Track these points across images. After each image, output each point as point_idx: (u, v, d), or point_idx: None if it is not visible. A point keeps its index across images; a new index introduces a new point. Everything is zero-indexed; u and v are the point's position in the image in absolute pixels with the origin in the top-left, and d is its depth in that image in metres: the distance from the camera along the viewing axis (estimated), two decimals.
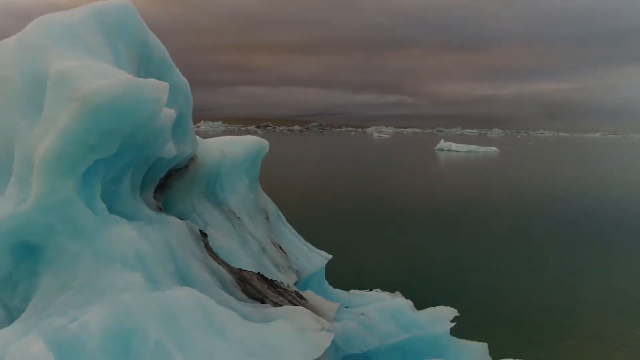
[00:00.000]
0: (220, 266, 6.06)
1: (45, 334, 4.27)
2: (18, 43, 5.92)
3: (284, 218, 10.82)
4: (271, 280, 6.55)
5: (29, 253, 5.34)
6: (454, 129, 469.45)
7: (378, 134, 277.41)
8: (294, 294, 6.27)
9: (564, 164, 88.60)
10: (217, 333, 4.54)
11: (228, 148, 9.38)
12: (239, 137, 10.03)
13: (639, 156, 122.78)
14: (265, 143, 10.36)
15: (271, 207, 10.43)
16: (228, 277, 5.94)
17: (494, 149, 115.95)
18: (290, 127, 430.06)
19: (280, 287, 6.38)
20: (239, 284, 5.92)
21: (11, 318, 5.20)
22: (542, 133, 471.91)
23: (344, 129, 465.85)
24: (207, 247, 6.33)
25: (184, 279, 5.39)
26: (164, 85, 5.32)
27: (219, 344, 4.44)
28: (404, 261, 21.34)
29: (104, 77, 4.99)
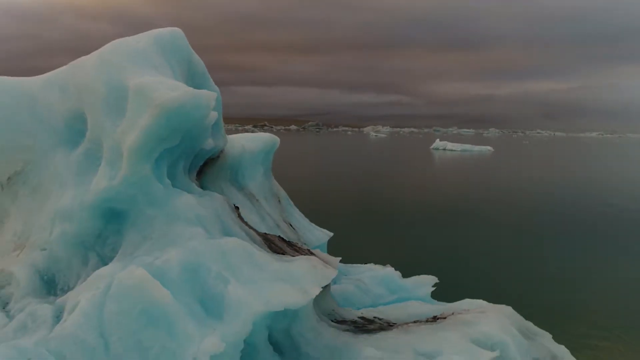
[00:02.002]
0: (250, 230, 8.05)
1: (140, 266, 6.24)
2: (99, 62, 7.86)
3: (292, 202, 12.83)
4: (289, 241, 8.54)
5: (115, 217, 7.31)
6: (450, 129, 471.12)
7: (375, 134, 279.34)
8: (306, 251, 8.25)
9: (554, 162, 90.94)
10: (257, 267, 6.53)
11: (247, 143, 11.36)
12: (255, 134, 12.05)
13: (629, 154, 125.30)
14: (276, 139, 12.38)
15: (282, 192, 12.43)
16: (257, 237, 7.91)
17: (489, 148, 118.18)
18: (287, 127, 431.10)
19: (296, 246, 8.37)
20: (265, 243, 7.89)
21: (104, 263, 7.16)
22: (538, 133, 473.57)
23: (340, 128, 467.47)
24: (239, 216, 8.31)
25: (228, 235, 7.36)
26: (213, 95, 7.30)
27: (259, 273, 6.43)
28: (394, 244, 23.61)
29: (172, 89, 6.95)
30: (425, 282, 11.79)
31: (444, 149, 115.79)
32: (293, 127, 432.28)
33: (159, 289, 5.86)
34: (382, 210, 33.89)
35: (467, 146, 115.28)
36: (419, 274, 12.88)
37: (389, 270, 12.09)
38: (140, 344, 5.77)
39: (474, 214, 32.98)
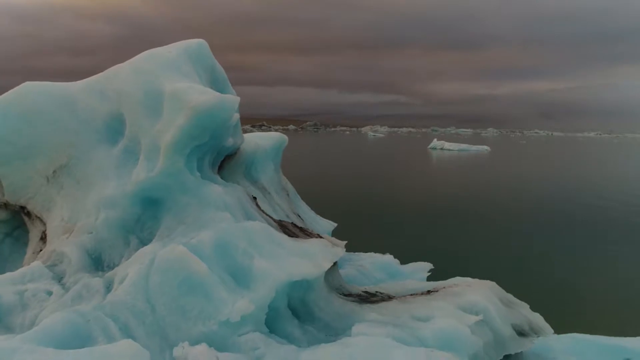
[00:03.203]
0: (267, 216, 9.20)
1: (179, 244, 7.37)
2: (135, 69, 9.00)
3: (299, 196, 13.98)
4: (300, 227, 9.70)
5: (152, 204, 8.45)
6: (448, 129, 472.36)
7: (373, 134, 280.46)
8: (317, 235, 9.41)
9: (549, 161, 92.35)
10: (277, 245, 7.68)
11: (260, 141, 12.51)
12: (267, 132, 13.21)
13: (627, 154, 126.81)
14: (285, 137, 13.53)
15: (290, 187, 13.58)
16: (273, 223, 9.06)
17: (486, 147, 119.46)
18: (285, 127, 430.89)
19: (308, 231, 9.52)
20: (280, 228, 9.05)
21: (143, 244, 8.28)
22: (536, 132, 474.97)
23: (338, 128, 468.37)
24: (257, 205, 9.46)
25: (251, 220, 8.51)
26: (237, 99, 8.45)
27: (279, 250, 7.58)
28: (393, 237, 24.87)
29: (203, 94, 8.09)
30: (422, 268, 12.95)
31: (442, 149, 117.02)
32: (291, 127, 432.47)
33: (197, 262, 7.00)
34: (380, 207, 35.12)
35: (465, 146, 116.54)
36: (415, 260, 14.05)
37: (388, 257, 13.25)
38: (181, 307, 6.91)
39: (469, 210, 34.22)
